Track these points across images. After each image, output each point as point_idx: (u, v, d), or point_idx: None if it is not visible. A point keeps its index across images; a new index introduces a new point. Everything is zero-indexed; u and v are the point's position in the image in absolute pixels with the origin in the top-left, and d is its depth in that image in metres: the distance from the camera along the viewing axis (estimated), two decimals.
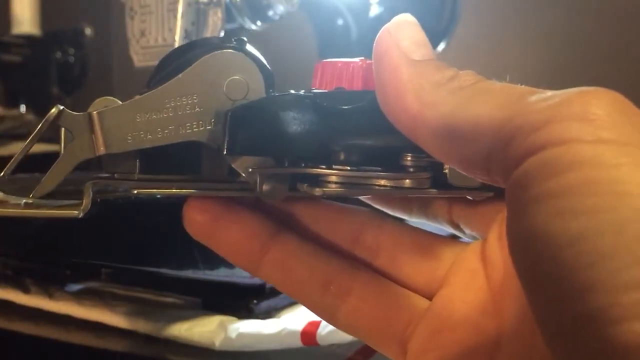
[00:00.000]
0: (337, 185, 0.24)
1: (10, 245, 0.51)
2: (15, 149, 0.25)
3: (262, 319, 0.49)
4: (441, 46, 0.63)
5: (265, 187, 0.24)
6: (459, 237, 0.28)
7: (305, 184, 0.24)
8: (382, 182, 0.24)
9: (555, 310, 0.17)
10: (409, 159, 0.24)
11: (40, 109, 0.83)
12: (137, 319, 0.48)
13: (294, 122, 0.23)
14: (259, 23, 0.50)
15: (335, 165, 0.24)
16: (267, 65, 0.24)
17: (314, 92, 0.24)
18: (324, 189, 0.24)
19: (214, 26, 0.45)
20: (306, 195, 0.25)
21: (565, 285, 0.16)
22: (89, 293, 0.52)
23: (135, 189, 0.24)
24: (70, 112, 0.23)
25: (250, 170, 0.24)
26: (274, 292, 0.50)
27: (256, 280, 0.50)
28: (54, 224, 0.46)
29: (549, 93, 0.19)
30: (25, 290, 0.51)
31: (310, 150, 0.23)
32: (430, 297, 0.26)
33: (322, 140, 0.23)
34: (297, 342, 0.45)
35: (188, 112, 0.23)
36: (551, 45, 0.86)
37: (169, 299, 0.52)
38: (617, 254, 0.15)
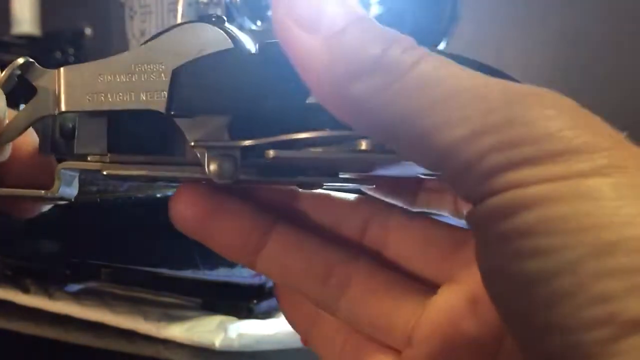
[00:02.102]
0: (294, 150, 0.22)
1: (10, 245, 0.51)
2: None
3: (262, 319, 0.49)
4: (441, 46, 0.63)
5: (212, 167, 0.22)
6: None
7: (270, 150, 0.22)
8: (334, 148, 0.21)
9: (527, 349, 0.17)
10: None
11: None
12: (137, 319, 0.48)
13: (235, 73, 0.21)
14: (258, 23, 0.50)
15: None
16: (245, 43, 0.23)
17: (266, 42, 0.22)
18: (278, 153, 0.21)
19: None
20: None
21: (531, 325, 0.16)
22: (89, 293, 0.52)
23: (105, 170, 0.23)
24: (40, 66, 0.23)
25: (192, 144, 0.22)
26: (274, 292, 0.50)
27: (256, 280, 0.50)
28: (54, 224, 0.46)
29: (494, 116, 0.17)
30: (25, 290, 0.51)
31: (254, 104, 0.21)
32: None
33: (271, 94, 0.21)
34: (297, 342, 0.45)
35: (153, 79, 0.22)
36: (551, 45, 0.86)
37: (169, 299, 0.52)
38: (574, 294, 0.15)
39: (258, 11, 0.50)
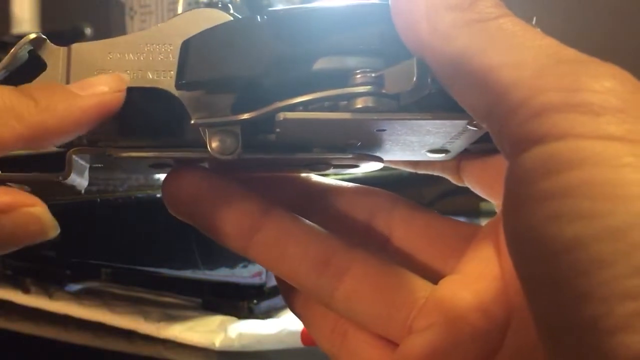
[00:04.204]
0: (301, 111, 0.22)
1: None
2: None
3: (262, 319, 0.49)
4: None
5: (214, 144, 0.22)
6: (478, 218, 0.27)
7: (281, 114, 0.22)
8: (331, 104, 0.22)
9: (551, 317, 0.16)
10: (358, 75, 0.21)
11: None
12: (137, 319, 0.48)
13: (243, 39, 0.22)
14: None
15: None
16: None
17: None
18: (286, 115, 0.21)
19: None
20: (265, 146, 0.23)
21: (562, 292, 0.16)
22: (89, 293, 0.52)
23: (115, 154, 0.23)
24: (52, 44, 0.23)
25: (192, 122, 0.22)
26: (274, 292, 0.50)
27: (256, 280, 0.50)
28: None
29: (562, 66, 0.17)
30: (25, 290, 0.51)
31: (263, 71, 0.21)
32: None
33: (278, 59, 0.21)
34: (297, 342, 0.45)
35: (160, 59, 0.23)
36: None
37: (169, 299, 0.52)
38: (614, 262, 0.15)
39: (259, 11, 0.50)
